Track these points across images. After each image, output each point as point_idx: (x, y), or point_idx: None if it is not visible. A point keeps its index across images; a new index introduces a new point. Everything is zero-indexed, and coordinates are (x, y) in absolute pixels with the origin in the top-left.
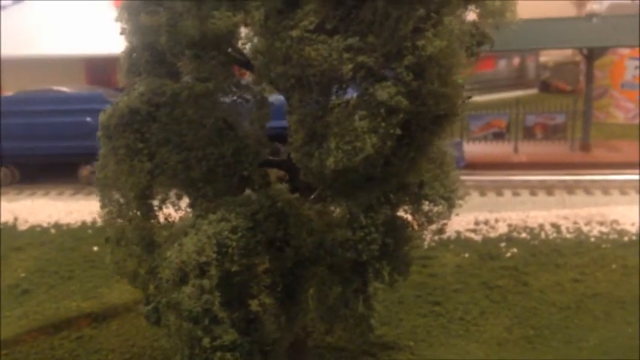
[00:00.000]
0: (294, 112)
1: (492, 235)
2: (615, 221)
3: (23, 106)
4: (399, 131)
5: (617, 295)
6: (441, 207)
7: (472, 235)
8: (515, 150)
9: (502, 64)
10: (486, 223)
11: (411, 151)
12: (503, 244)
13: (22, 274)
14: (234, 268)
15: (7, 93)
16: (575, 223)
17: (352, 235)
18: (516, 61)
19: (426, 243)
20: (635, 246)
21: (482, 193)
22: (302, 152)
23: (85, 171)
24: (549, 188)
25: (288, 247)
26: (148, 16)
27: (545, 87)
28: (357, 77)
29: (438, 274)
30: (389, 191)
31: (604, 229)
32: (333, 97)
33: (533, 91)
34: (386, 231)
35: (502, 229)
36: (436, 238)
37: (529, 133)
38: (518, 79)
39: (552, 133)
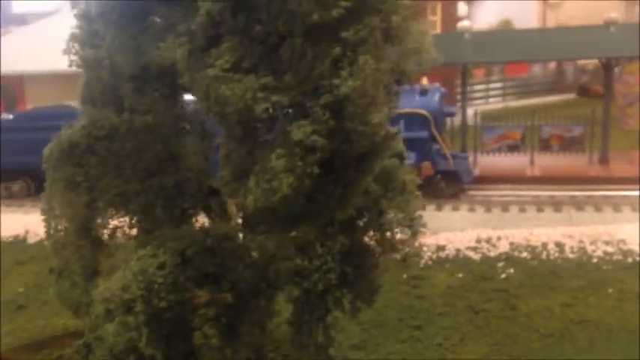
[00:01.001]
0: (222, 147)
1: (492, 253)
2: (622, 241)
3: (33, 122)
4: (317, 170)
5: (606, 322)
6: (404, 234)
7: (471, 254)
8: (531, 163)
9: (537, 68)
10: (488, 240)
11: (337, 188)
12: (500, 264)
13: (21, 289)
14: (163, 305)
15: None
16: (580, 242)
17: (309, 264)
18: (553, 64)
19: (423, 262)
20: (636, 268)
21: (488, 209)
22: (230, 188)
23: None
24: (557, 204)
25: (225, 280)
26: (92, 50)
27: (584, 92)
28: (276, 116)
29: (426, 296)
30: (323, 226)
31: (609, 249)
32: (259, 135)
33: (570, 96)
34: (344, 259)
35: (503, 247)
36: (434, 256)
37: (545, 146)
38: (555, 84)
39: (569, 145)
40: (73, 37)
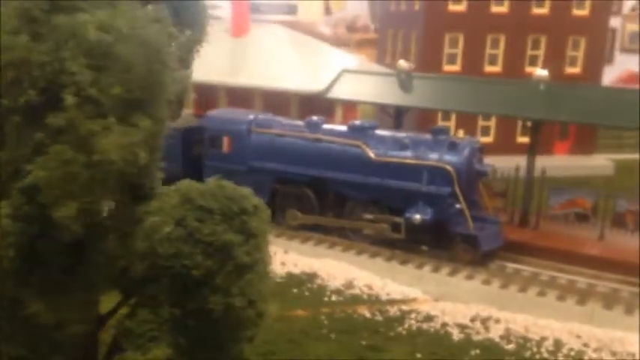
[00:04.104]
0: None
1: (477, 337)
2: (632, 354)
3: None
4: (12, 253)
5: None
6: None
7: (454, 333)
8: (601, 238)
9: None
10: (485, 321)
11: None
12: (474, 353)
13: None
14: None
15: None
16: (584, 345)
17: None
18: None
19: (399, 329)
20: None
21: (505, 285)
22: None
23: None
24: (584, 295)
25: None
26: None
27: None
28: None
29: None
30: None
31: (610, 358)
32: None
33: None
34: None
35: (495, 332)
36: (414, 327)
37: (619, 221)
38: None
39: None
40: None
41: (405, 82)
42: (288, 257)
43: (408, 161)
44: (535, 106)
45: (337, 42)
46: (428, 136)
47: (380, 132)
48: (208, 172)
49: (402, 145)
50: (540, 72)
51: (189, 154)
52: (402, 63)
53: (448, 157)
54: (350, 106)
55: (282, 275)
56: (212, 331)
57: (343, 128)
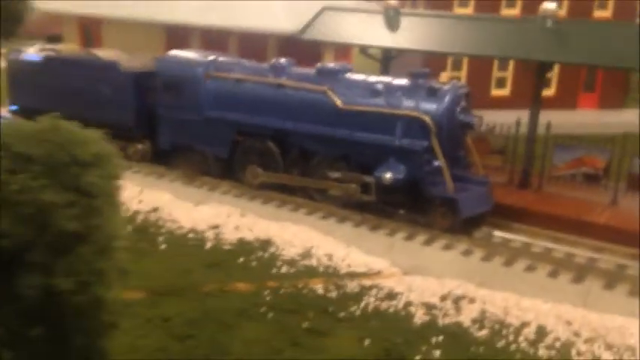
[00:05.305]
0: None
1: (445, 320)
2: (632, 349)
3: (65, 68)
4: None
5: None
6: None
7: (418, 314)
8: (614, 203)
9: None
10: (457, 300)
11: None
12: (435, 340)
13: None
14: None
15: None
16: (575, 334)
17: None
18: None
19: (352, 309)
20: None
21: (488, 257)
22: None
23: None
24: (581, 271)
25: None
26: None
27: None
28: None
29: None
30: None
31: (605, 358)
32: None
33: None
34: None
35: (467, 314)
36: (371, 305)
37: (635, 184)
38: None
39: None
40: None
41: (392, 21)
42: (243, 221)
43: (378, 110)
44: (540, 46)
45: None
46: (405, 81)
47: (352, 76)
48: (161, 122)
49: (373, 92)
50: (548, 5)
51: (143, 103)
52: None
53: (425, 106)
54: (343, 51)
55: (231, 242)
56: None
57: (311, 72)
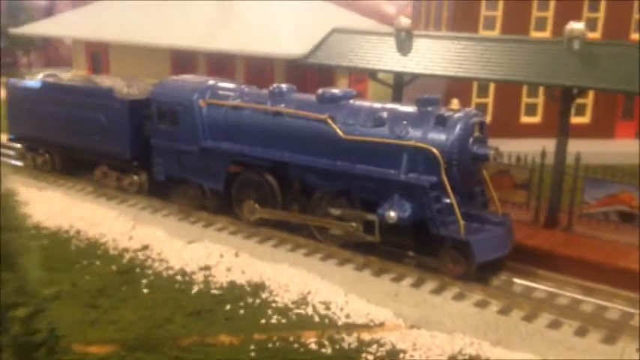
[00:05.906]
0: None
1: None
2: None
3: (65, 95)
4: None
5: None
6: None
7: None
8: None
9: None
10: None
11: None
12: None
13: None
14: None
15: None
16: None
17: None
18: None
19: None
20: None
21: (506, 310)
22: None
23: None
24: (613, 330)
25: None
26: None
27: None
28: None
29: None
30: None
31: None
32: None
33: None
34: None
35: None
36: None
37: None
38: None
39: None
40: None
41: (404, 43)
42: (237, 261)
43: (382, 140)
44: (565, 69)
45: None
46: (413, 109)
47: (355, 103)
48: (155, 152)
49: (377, 120)
50: (575, 25)
51: (139, 132)
52: (402, 19)
53: (434, 136)
54: (358, 75)
55: (221, 285)
56: None
57: (312, 98)
